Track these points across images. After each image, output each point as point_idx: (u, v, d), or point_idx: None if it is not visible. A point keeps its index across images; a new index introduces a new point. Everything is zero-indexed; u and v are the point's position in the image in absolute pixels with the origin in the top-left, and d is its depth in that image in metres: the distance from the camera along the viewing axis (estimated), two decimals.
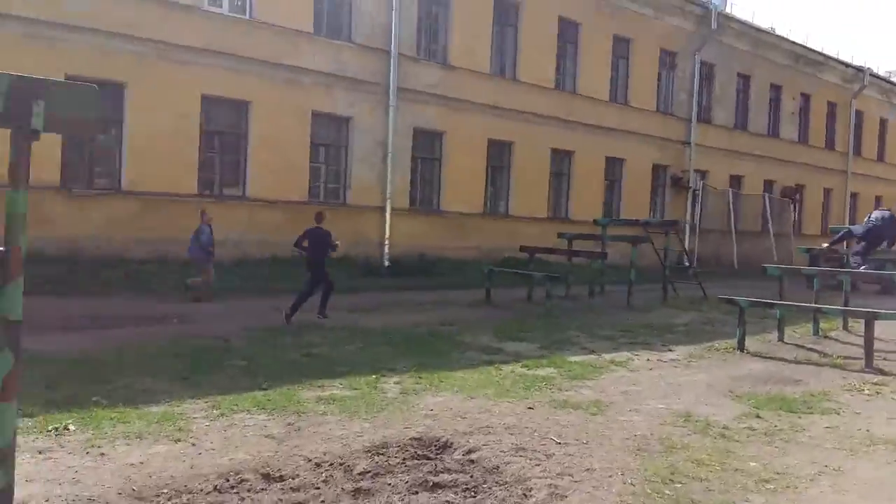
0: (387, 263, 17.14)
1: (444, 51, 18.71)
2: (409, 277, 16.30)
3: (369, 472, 4.15)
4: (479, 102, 19.03)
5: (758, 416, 6.17)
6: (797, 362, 8.89)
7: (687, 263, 23.32)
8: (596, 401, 6.29)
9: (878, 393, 7.34)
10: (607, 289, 15.31)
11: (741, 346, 9.49)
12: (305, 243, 10.74)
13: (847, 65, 31.03)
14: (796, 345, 10.08)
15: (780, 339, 10.29)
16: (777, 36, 28.00)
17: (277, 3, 15.36)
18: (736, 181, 27.45)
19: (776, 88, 28.82)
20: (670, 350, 9.24)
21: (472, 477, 4.15)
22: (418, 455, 4.48)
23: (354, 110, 16.88)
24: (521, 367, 7.55)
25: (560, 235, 15.39)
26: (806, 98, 30.35)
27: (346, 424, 5.11)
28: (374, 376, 6.60)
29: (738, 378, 7.79)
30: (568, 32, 21.50)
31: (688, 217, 24.98)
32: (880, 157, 35.15)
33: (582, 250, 14.95)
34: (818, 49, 29.61)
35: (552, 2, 20.68)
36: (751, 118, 27.82)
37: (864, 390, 7.44)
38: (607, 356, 8.54)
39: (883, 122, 35.10)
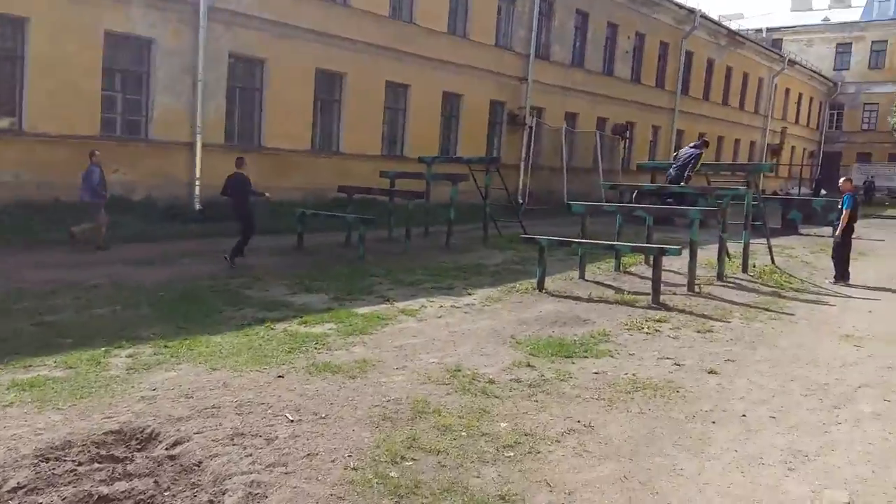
0: (198, 207, 15.71)
1: None
2: (223, 222, 15.01)
3: (24, 486, 3.35)
4: (305, 28, 17.63)
5: (528, 365, 5.95)
6: (590, 300, 8.92)
7: (522, 201, 23.63)
8: (362, 360, 5.79)
9: (656, 331, 7.42)
10: (433, 230, 14.95)
11: (540, 286, 9.42)
12: (228, 191, 11.12)
13: (680, 6, 32.07)
14: (596, 282, 10.19)
15: (582, 276, 10.38)
16: None
17: None
18: (571, 118, 27.90)
19: (613, 27, 29.30)
20: (469, 294, 8.98)
21: (157, 482, 3.47)
22: (103, 456, 3.73)
23: (157, 31, 15.02)
24: (299, 323, 6.92)
25: (382, 174, 14.71)
26: (641, 37, 31.15)
27: (30, 418, 4.22)
28: (103, 349, 5.65)
29: (526, 321, 7.63)
30: None
31: (523, 154, 25.13)
32: (706, 97, 37.14)
33: (400, 190, 14.34)
34: None
35: None
36: (587, 56, 28.16)
37: (643, 329, 7.51)
38: (400, 305, 8.11)
39: (710, 63, 36.95)
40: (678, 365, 6.16)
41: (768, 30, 51.20)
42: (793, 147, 49.17)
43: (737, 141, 41.52)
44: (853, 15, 51.41)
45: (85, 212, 12.09)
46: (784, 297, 9.71)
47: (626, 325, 7.59)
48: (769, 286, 10.53)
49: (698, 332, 7.42)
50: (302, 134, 18.15)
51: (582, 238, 10.38)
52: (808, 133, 51.88)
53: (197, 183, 15.74)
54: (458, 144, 23.24)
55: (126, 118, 15.14)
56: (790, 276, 11.57)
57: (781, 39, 51.20)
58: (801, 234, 18.89)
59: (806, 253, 14.85)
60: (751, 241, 11.51)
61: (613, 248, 9.14)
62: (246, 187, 11.06)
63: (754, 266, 12.03)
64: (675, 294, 9.42)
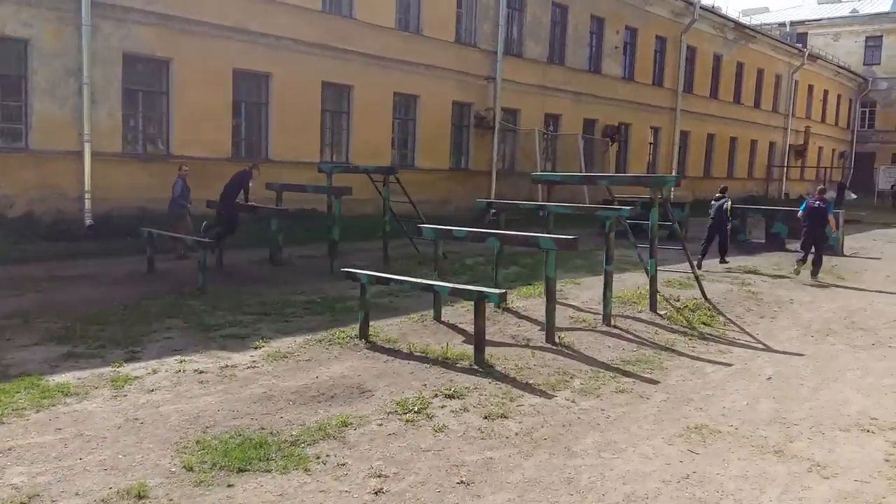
0: (88, 223, 14.06)
1: None
2: (118, 239, 13.37)
3: None
4: (215, 24, 15.86)
5: (139, 496, 3.92)
6: (409, 356, 6.83)
7: (493, 211, 21.51)
8: None
9: (429, 417, 5.29)
10: (350, 248, 13.03)
11: (363, 334, 7.36)
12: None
13: None
14: (450, 325, 8.07)
15: (437, 317, 8.26)
16: None
17: None
18: (553, 120, 25.63)
19: (598, 20, 26.87)
20: (258, 346, 6.96)
21: None
22: None
23: (33, 31, 13.42)
24: None
25: (268, 186, 12.78)
26: (632, 32, 28.64)
27: None
28: None
29: (278, 395, 5.61)
30: None
31: (494, 160, 22.97)
32: (713, 95, 34.31)
33: (275, 208, 12.25)
34: None
35: None
36: (569, 52, 25.81)
37: (420, 409, 5.38)
38: (130, 367, 6.14)
39: (717, 58, 34.13)
40: (378, 494, 4.07)
41: (792, 24, 47.76)
42: (820, 148, 45.70)
43: (753, 142, 38.49)
44: (884, 5, 47.54)
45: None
46: (676, 349, 7.45)
47: (403, 404, 5.48)
48: (673, 330, 8.27)
49: (487, 417, 5.26)
50: (220, 141, 16.37)
51: (436, 270, 8.29)
52: (837, 133, 48.22)
53: (87, 196, 14.10)
54: (416, 149, 21.24)
55: (1, 126, 13.56)
56: (716, 314, 9.25)
57: (806, 34, 47.74)
58: (789, 251, 16.29)
59: (766, 280, 12.40)
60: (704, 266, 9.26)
61: (432, 288, 7.06)
62: (240, 187, 11.84)
63: (677, 300, 9.77)
64: (524, 346, 7.30)
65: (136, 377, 5.93)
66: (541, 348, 7.24)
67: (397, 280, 7.30)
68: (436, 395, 5.73)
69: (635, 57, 29.05)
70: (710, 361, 7.04)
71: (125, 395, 5.52)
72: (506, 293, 6.59)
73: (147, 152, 15.54)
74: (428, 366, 6.56)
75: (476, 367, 6.52)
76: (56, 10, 13.56)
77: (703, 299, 9.88)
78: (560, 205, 8.84)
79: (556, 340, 7.43)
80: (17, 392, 5.42)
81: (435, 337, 7.61)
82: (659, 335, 8.02)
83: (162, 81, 15.57)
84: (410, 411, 5.36)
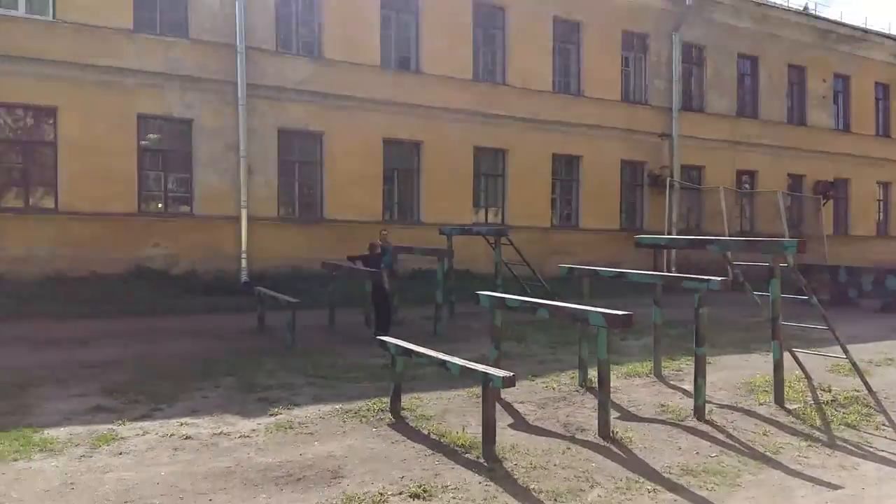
0: (244, 279, 14.89)
1: (317, 43, 16.25)
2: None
3: None
4: (366, 98, 16.38)
5: None
6: (426, 440, 5.74)
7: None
8: None
9: None
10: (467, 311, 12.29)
11: (394, 408, 6.44)
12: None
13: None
14: (507, 404, 6.82)
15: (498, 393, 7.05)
16: (793, 11, 23.08)
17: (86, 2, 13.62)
18: (747, 176, 22.85)
19: (798, 69, 23.76)
20: (272, 414, 6.36)
21: None
22: None
23: (195, 112, 14.81)
24: None
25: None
26: (843, 80, 24.95)
27: None
28: None
29: (227, 475, 4.88)
30: (491, 15, 18.44)
31: (674, 219, 20.85)
32: None
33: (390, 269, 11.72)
34: (853, 24, 24.26)
35: None
36: (762, 105, 23.01)
37: None
38: (130, 427, 5.84)
39: None
40: None
41: None
42: None
43: None
44: None
45: None
46: (775, 458, 5.43)
47: (353, 498, 4.50)
48: (793, 431, 6.18)
49: None
50: (370, 205, 16.65)
51: (496, 340, 7.12)
52: None
53: (244, 256, 15.00)
54: (580, 210, 19.99)
55: (169, 195, 14.98)
56: (875, 413, 6.86)
57: None
58: None
59: None
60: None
61: (446, 365, 5.83)
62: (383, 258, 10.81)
63: (828, 390, 7.49)
64: (566, 437, 5.83)
65: (123, 437, 5.60)
66: (585, 443, 5.72)
67: (418, 352, 6.30)
68: (400, 492, 4.62)
69: (850, 106, 25.18)
70: (810, 479, 4.99)
71: (91, 457, 5.16)
72: (513, 377, 5.24)
73: (301, 216, 16.23)
74: (432, 453, 5.43)
75: (483, 460, 5.27)
76: (216, 93, 14.86)
77: (865, 391, 7.49)
78: (641, 273, 7.20)
79: (612, 434, 5.87)
80: (1, 442, 5.35)
81: (477, 417, 6.44)
82: (767, 437, 6.01)
83: (315, 152, 16.32)
84: None
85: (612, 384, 6.26)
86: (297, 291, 14.33)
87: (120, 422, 6.03)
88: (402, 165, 17.52)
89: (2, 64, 12.92)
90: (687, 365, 8.48)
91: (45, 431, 5.66)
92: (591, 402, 6.87)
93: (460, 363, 5.74)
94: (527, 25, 18.54)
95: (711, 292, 6.49)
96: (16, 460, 5.03)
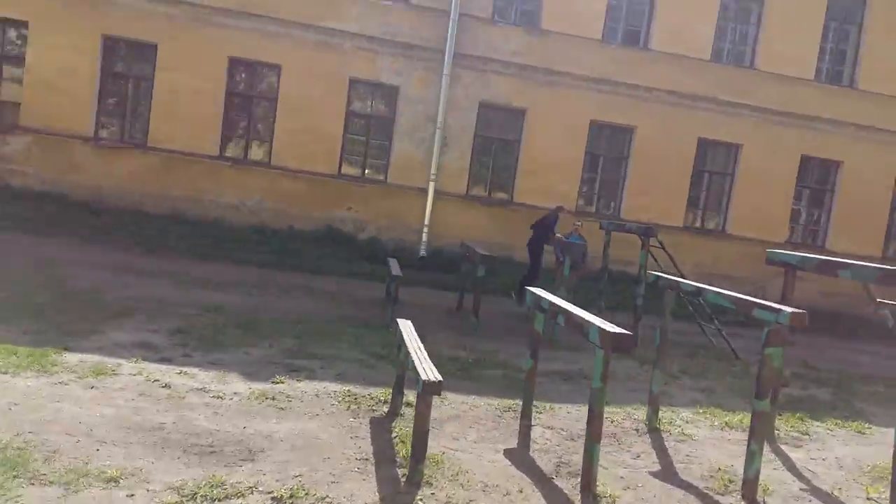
0: (422, 254, 14.77)
1: (536, 12, 15.22)
2: (440, 272, 13.75)
3: None
4: (578, 74, 15.03)
5: None
6: (373, 437, 4.83)
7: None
8: None
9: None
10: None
11: (393, 403, 5.52)
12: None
13: None
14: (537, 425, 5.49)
15: (526, 413, 5.75)
16: None
17: None
18: None
19: None
20: (275, 382, 5.86)
21: None
22: None
23: (403, 79, 14.87)
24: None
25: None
26: None
27: None
28: None
29: (151, 429, 4.50)
30: None
31: None
32: None
33: (485, 254, 10.19)
34: None
35: None
36: None
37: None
38: (141, 365, 5.79)
39: None
40: None
41: None
42: None
43: None
44: None
45: None
46: None
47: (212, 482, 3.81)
48: None
49: None
50: (566, 192, 15.37)
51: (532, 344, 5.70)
52: None
53: (425, 230, 14.90)
54: (830, 227, 16.42)
55: (369, 161, 15.34)
56: None
57: None
58: None
59: None
60: None
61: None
62: (547, 230, 11.52)
63: None
64: (538, 480, 4.39)
65: (116, 374, 5.57)
66: (551, 487, 4.32)
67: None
68: (282, 486, 3.82)
69: None
70: None
71: (67, 385, 5.15)
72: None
73: (491, 196, 15.59)
74: (366, 458, 4.52)
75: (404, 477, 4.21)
76: (424, 60, 14.73)
77: None
78: (719, 291, 5.04)
79: (593, 487, 4.33)
80: (15, 354, 5.64)
81: (458, 426, 5.29)
82: None
83: (514, 129, 15.47)
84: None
85: (703, 432, 4.65)
86: (465, 273, 13.93)
87: (135, 360, 6.01)
88: (608, 152, 15.86)
89: (238, 20, 14.13)
90: (825, 428, 6.20)
91: (64, 354, 5.79)
92: (643, 446, 5.26)
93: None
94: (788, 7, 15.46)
95: (790, 327, 4.43)
96: (5, 373, 5.22)
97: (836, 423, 6.57)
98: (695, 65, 15.37)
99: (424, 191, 14.85)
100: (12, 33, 14.06)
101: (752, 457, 4.48)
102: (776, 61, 15.59)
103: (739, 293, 5.25)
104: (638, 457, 5.21)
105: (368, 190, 14.99)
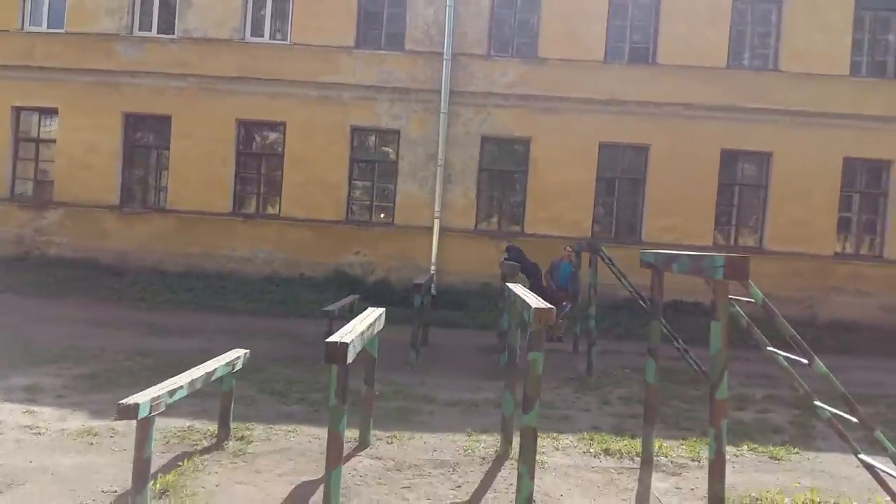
0: (431, 292, 14.35)
1: (532, 42, 14.77)
2: (448, 311, 13.29)
3: None
4: (582, 98, 14.33)
5: None
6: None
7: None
8: None
9: None
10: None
11: (220, 432, 5.15)
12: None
13: None
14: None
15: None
16: None
17: (317, 22, 14.72)
18: None
19: None
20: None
21: None
22: None
23: (402, 122, 14.80)
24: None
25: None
26: None
27: None
28: None
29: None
30: None
31: None
32: None
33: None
34: None
35: None
36: None
37: None
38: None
39: None
40: None
41: None
42: None
43: None
44: None
45: None
46: None
47: None
48: None
49: None
50: (577, 220, 14.55)
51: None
52: None
53: (433, 268, 14.54)
54: (887, 234, 14.50)
55: (375, 205, 15.26)
56: None
57: None
58: None
59: None
60: None
61: None
62: (535, 277, 11.23)
63: None
64: None
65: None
66: None
67: None
68: None
69: None
70: None
71: None
72: None
73: (497, 230, 15.01)
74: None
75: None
76: (423, 101, 14.61)
77: None
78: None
79: None
80: None
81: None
82: None
83: (520, 160, 14.92)
84: None
85: (564, 460, 3.90)
86: (478, 309, 13.34)
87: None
88: (621, 174, 14.92)
89: (244, 85, 14.74)
90: (731, 454, 5.13)
91: None
92: (477, 475, 4.52)
93: None
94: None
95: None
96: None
97: (752, 448, 5.45)
98: (709, 74, 14.30)
99: (430, 229, 14.53)
100: (46, 121, 15.37)
101: (520, 481, 3.70)
102: (802, 60, 14.22)
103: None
104: (458, 486, 4.50)
105: (375, 233, 14.88)
